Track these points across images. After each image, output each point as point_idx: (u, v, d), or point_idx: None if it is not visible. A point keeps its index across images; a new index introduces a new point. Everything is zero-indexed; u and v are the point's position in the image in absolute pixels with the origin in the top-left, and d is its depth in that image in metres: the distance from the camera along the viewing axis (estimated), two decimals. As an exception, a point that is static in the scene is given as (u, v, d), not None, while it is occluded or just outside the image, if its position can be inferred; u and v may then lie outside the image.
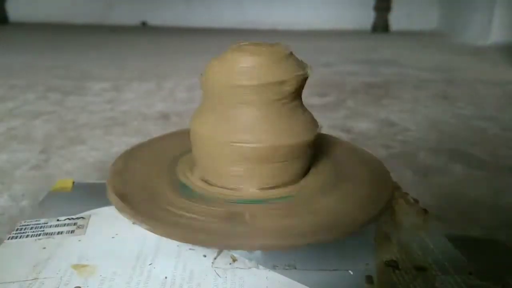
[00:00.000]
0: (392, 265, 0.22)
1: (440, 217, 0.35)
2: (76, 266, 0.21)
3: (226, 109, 0.24)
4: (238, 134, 0.23)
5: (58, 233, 0.24)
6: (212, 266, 0.22)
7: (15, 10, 2.21)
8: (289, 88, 0.23)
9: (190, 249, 0.23)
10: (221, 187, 0.25)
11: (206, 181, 0.26)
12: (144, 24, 2.34)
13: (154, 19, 2.32)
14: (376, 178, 0.27)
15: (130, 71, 1.01)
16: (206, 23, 2.26)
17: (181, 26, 2.24)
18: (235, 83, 0.23)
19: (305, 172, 0.27)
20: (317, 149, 0.28)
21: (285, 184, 0.25)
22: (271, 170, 0.24)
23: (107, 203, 0.27)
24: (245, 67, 0.23)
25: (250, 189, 0.25)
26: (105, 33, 1.88)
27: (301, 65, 0.24)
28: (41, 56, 1.20)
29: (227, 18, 2.28)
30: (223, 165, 0.24)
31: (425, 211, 0.28)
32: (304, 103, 0.26)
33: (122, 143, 0.52)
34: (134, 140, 0.52)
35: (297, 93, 0.24)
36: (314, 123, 0.26)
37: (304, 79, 0.24)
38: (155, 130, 0.57)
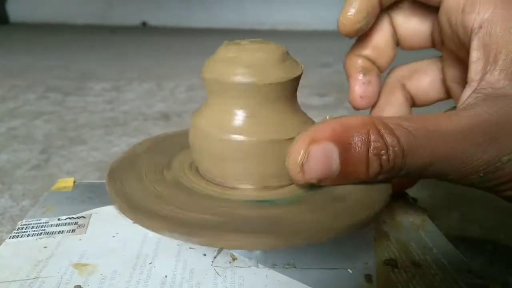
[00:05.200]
0: (391, 264, 0.22)
1: (439, 217, 0.36)
2: (76, 265, 0.22)
3: (222, 105, 0.24)
4: (232, 129, 0.23)
5: (59, 232, 0.25)
6: (212, 265, 0.22)
7: (16, 10, 2.21)
8: (284, 86, 0.23)
9: (190, 248, 0.23)
10: (220, 185, 0.25)
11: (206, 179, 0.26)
12: (144, 24, 2.34)
13: (154, 19, 2.32)
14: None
15: (131, 71, 1.01)
16: (206, 24, 2.27)
17: (181, 26, 2.24)
18: (231, 80, 0.23)
19: None
20: None
21: (282, 185, 0.25)
22: (267, 169, 0.23)
23: (107, 202, 0.27)
24: (241, 64, 0.23)
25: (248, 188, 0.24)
26: (105, 33, 1.88)
27: (296, 63, 0.24)
28: (42, 56, 1.20)
29: (227, 18, 2.28)
30: (219, 161, 0.24)
31: (424, 210, 0.28)
32: (304, 103, 0.26)
33: (122, 143, 0.53)
34: (135, 140, 0.52)
35: (292, 92, 0.24)
36: (310, 121, 0.26)
37: (298, 78, 0.24)
38: (156, 130, 0.57)
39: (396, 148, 0.18)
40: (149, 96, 0.77)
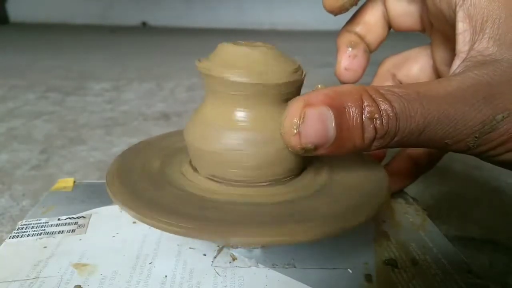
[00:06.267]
0: (391, 264, 0.22)
1: (439, 217, 0.36)
2: (76, 265, 0.22)
3: (221, 105, 0.24)
4: (232, 128, 0.23)
5: (59, 232, 0.25)
6: (212, 265, 0.22)
7: (16, 10, 2.21)
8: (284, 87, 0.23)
9: (190, 248, 0.23)
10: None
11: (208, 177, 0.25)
12: (144, 24, 2.34)
13: (154, 19, 2.32)
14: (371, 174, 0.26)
15: (131, 71, 1.01)
16: (206, 23, 2.27)
17: (181, 26, 2.24)
18: (229, 79, 0.23)
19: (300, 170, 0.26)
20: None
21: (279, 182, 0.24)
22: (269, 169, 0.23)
23: (108, 202, 0.27)
24: (238, 66, 0.23)
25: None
26: (105, 33, 1.88)
27: (295, 64, 0.24)
28: (42, 56, 1.20)
29: (227, 18, 2.28)
30: (219, 162, 0.24)
31: (424, 210, 0.28)
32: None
33: (122, 143, 0.53)
34: (134, 140, 0.52)
35: (294, 94, 0.24)
36: None
37: (298, 81, 0.24)
38: (155, 130, 0.57)
39: (389, 112, 0.18)
40: (149, 96, 0.77)
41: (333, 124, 0.18)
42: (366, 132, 0.18)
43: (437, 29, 0.25)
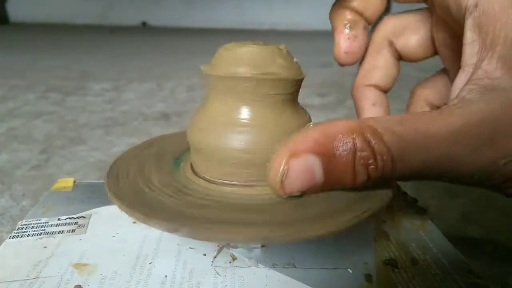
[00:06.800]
0: (391, 264, 0.22)
1: (439, 217, 0.36)
2: (76, 265, 0.22)
3: (223, 104, 0.24)
4: (233, 127, 0.23)
5: (59, 232, 0.25)
6: (212, 265, 0.22)
7: (16, 10, 2.21)
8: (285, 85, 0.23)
9: (190, 248, 0.23)
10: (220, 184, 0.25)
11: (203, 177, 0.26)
12: (144, 24, 2.34)
13: (154, 19, 2.32)
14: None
15: (131, 71, 1.01)
16: (206, 24, 2.27)
17: (181, 26, 2.24)
18: (234, 77, 0.23)
19: None
20: None
21: None
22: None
23: (107, 202, 0.27)
24: (242, 64, 0.23)
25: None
26: (105, 33, 1.88)
27: (296, 65, 0.24)
28: (41, 56, 1.20)
29: (227, 18, 2.28)
30: (221, 162, 0.24)
31: (424, 210, 0.28)
32: (304, 103, 0.26)
33: (122, 143, 0.53)
34: (134, 140, 0.52)
35: (293, 93, 0.24)
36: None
37: (300, 81, 0.24)
38: (155, 130, 0.57)
39: (385, 157, 0.16)
40: (149, 96, 0.77)
41: (321, 171, 0.17)
42: (358, 177, 0.17)
43: (439, 15, 0.23)
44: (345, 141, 0.17)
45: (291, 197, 0.19)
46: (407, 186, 0.32)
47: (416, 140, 0.16)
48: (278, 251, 0.23)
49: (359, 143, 0.16)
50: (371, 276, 0.21)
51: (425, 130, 0.17)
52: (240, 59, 0.23)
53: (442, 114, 0.17)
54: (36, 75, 0.93)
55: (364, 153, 0.16)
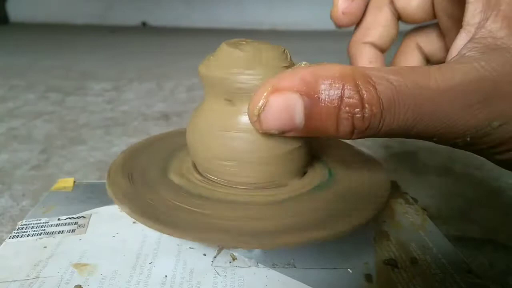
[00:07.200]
0: (391, 263, 0.22)
1: (439, 217, 0.36)
2: (76, 265, 0.22)
3: (221, 104, 0.24)
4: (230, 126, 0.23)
5: (59, 232, 0.25)
6: (212, 265, 0.22)
7: (16, 10, 2.21)
8: None
9: (190, 248, 0.23)
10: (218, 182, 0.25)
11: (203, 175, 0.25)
12: (144, 24, 2.34)
13: (154, 19, 2.32)
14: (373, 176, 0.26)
15: (130, 71, 1.01)
16: (206, 23, 2.27)
17: (181, 26, 2.24)
18: (232, 77, 0.23)
19: (301, 173, 0.26)
20: (314, 151, 0.28)
21: (279, 185, 0.24)
22: (264, 168, 0.24)
23: (108, 202, 0.27)
24: (240, 63, 0.23)
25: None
26: (105, 33, 1.88)
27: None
28: (41, 56, 1.20)
29: (227, 18, 2.28)
30: (216, 158, 0.24)
31: (424, 210, 0.28)
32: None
33: (122, 143, 0.53)
34: (134, 140, 0.52)
35: None
36: None
37: None
38: (155, 130, 0.57)
39: (373, 107, 0.15)
40: (149, 96, 0.77)
41: (302, 113, 0.16)
42: (341, 126, 0.16)
43: None
44: (333, 84, 0.16)
45: (273, 135, 0.18)
46: (407, 186, 0.32)
47: (411, 93, 0.16)
48: (278, 251, 0.23)
49: (347, 89, 0.16)
50: (371, 276, 0.21)
51: (422, 82, 0.16)
52: (237, 60, 0.23)
53: (441, 68, 0.16)
54: (36, 75, 0.93)
55: (351, 101, 0.16)
